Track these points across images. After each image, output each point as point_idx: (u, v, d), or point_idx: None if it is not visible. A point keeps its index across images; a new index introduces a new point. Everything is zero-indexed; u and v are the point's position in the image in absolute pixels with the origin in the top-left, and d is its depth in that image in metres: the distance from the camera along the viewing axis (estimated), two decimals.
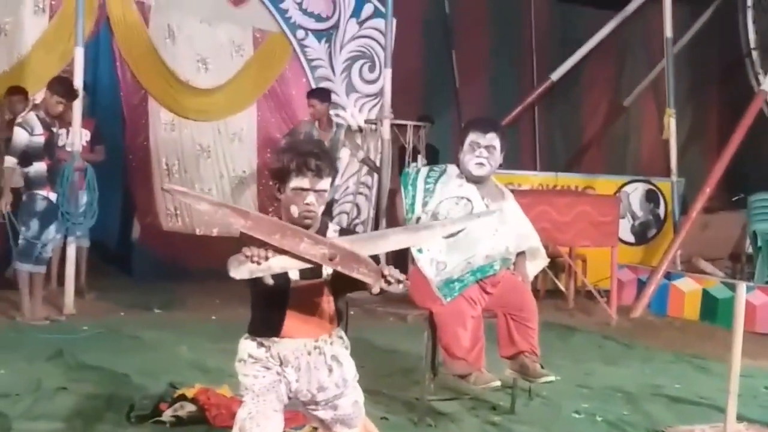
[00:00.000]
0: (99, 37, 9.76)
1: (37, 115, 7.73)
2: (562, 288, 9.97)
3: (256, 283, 3.52)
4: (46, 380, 5.63)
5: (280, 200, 3.72)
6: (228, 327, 7.49)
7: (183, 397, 4.98)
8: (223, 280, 9.26)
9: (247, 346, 3.75)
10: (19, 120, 7.77)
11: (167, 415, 4.85)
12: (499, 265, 5.17)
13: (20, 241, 7.71)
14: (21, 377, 5.68)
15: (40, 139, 7.68)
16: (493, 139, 5.27)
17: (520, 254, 5.44)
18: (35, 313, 7.73)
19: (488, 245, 5.13)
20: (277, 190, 3.70)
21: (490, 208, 5.22)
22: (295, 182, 3.64)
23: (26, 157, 7.63)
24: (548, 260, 5.85)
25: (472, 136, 5.28)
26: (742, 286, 4.63)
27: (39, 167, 7.69)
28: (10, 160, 7.64)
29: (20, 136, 7.62)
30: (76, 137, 8.19)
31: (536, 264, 5.67)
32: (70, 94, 7.90)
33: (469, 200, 5.20)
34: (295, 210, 3.64)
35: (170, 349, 6.82)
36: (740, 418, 4.81)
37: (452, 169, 5.41)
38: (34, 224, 7.69)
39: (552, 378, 5.26)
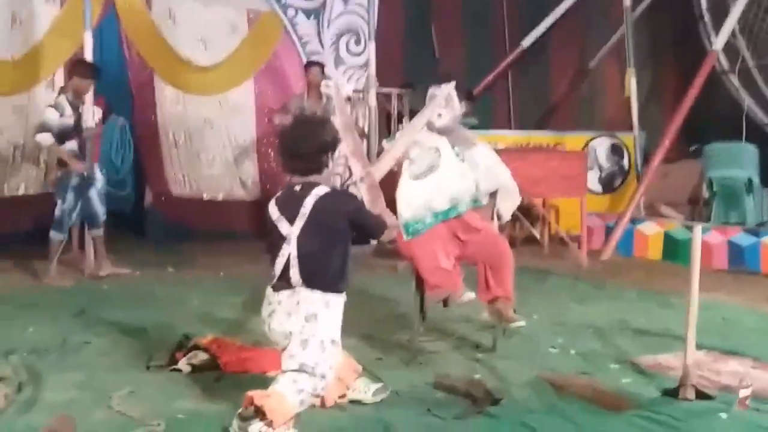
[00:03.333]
0: (106, 22, 9.64)
1: (67, 98, 7.75)
2: (537, 235, 9.99)
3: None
4: (71, 336, 5.65)
5: (324, 168, 4.03)
6: (235, 283, 7.54)
7: (196, 347, 4.99)
8: (229, 239, 9.35)
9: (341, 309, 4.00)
10: (51, 103, 7.76)
11: (182, 363, 4.87)
12: (465, 206, 5.21)
13: (56, 213, 7.72)
14: (48, 334, 5.69)
15: (70, 120, 7.72)
16: (449, 89, 5.33)
17: (494, 196, 5.45)
18: (63, 277, 7.77)
19: (454, 189, 5.16)
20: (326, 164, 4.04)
21: (461, 156, 5.27)
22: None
23: (59, 137, 7.63)
24: (520, 198, 5.75)
25: (431, 92, 5.47)
26: (698, 228, 4.65)
27: (71, 146, 7.74)
28: (46, 138, 7.63)
29: (51, 117, 7.61)
30: (89, 115, 8.12)
31: (511, 201, 5.61)
32: (96, 72, 7.95)
33: (437, 149, 5.26)
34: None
35: (183, 303, 6.84)
36: (700, 347, 4.85)
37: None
38: (70, 197, 7.71)
39: (523, 323, 5.34)
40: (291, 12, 10.62)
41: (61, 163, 7.76)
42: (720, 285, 7.80)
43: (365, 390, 4.24)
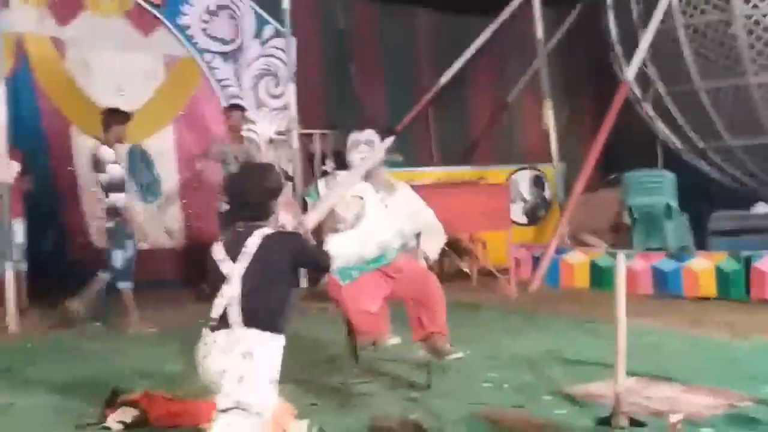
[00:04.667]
0: (20, 73, 9.49)
1: (112, 149, 7.74)
2: (466, 269, 10.09)
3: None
4: None
5: (271, 215, 4.03)
6: (164, 333, 7.43)
7: (126, 403, 4.90)
8: (156, 289, 9.20)
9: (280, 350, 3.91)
10: (112, 157, 7.69)
11: (113, 420, 4.77)
12: (394, 252, 5.25)
13: (119, 264, 7.77)
14: None
15: (123, 171, 7.80)
16: (370, 134, 5.46)
17: (419, 236, 5.52)
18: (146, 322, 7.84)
19: (381, 236, 5.22)
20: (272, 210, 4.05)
21: (384, 201, 5.33)
22: None
23: (117, 187, 7.68)
24: (446, 236, 5.84)
25: (353, 137, 5.48)
26: (621, 256, 4.76)
27: (121, 196, 7.79)
28: (122, 198, 7.77)
29: (120, 173, 7.72)
30: (4, 168, 7.96)
31: (435, 241, 5.70)
32: (128, 118, 7.97)
33: (361, 197, 5.30)
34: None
35: (112, 358, 6.70)
36: (630, 373, 4.92)
37: (343, 173, 5.57)
38: (129, 244, 7.79)
39: (460, 355, 5.36)
40: (208, 56, 10.62)
41: (111, 213, 7.69)
42: (646, 310, 7.94)
43: None
